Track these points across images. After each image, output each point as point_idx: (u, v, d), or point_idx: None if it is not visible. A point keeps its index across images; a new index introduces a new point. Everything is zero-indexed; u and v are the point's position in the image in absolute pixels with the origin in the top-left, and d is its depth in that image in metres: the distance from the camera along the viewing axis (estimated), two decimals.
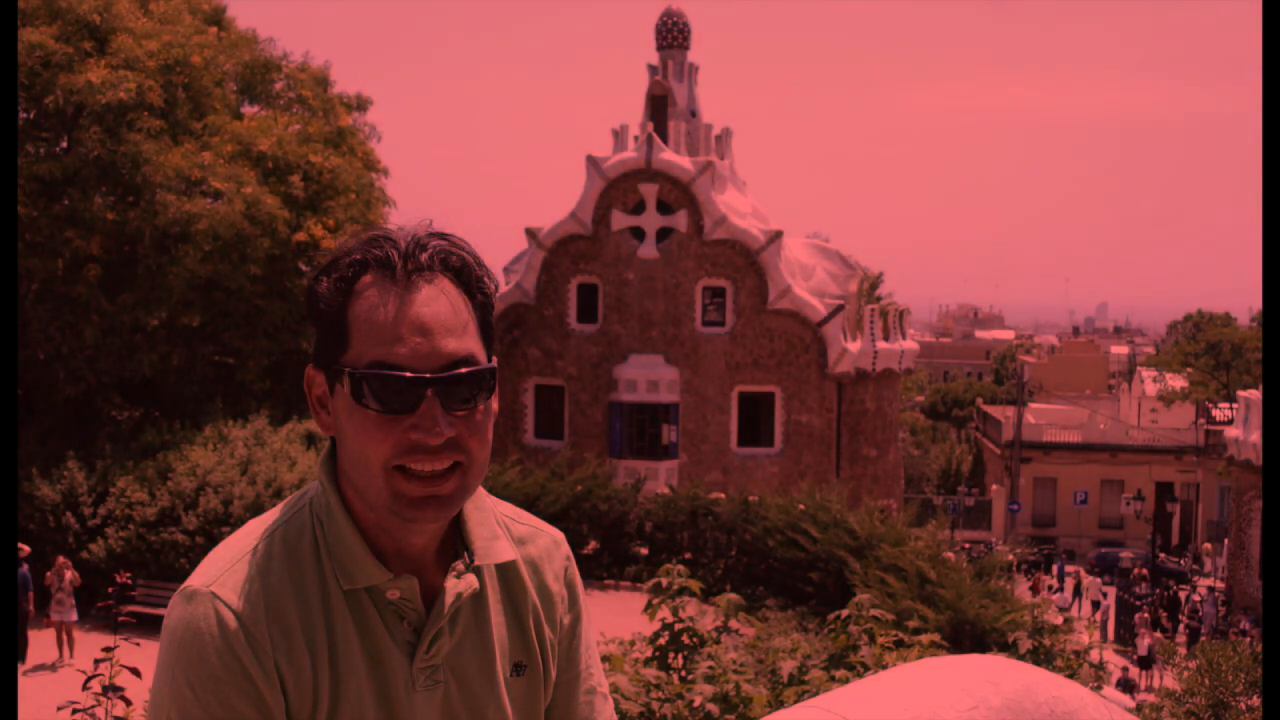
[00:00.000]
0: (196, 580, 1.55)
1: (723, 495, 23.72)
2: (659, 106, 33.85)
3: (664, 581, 6.49)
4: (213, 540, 16.72)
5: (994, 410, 58.63)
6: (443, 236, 1.59)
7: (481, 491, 1.68)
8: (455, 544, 1.67)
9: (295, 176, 22.10)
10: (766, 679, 6.42)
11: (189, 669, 1.50)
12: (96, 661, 4.23)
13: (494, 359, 1.59)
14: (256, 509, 17.78)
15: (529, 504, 21.37)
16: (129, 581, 4.97)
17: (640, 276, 31.76)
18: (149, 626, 13.90)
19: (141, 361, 21.00)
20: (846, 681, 5.50)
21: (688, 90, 34.47)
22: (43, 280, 20.76)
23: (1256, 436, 32.01)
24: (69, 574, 16.53)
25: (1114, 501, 50.55)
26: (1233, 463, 35.27)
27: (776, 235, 31.51)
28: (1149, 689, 24.19)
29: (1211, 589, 37.09)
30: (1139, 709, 11.53)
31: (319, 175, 22.37)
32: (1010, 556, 26.15)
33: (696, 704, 5.55)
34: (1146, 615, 29.09)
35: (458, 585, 1.63)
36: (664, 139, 32.49)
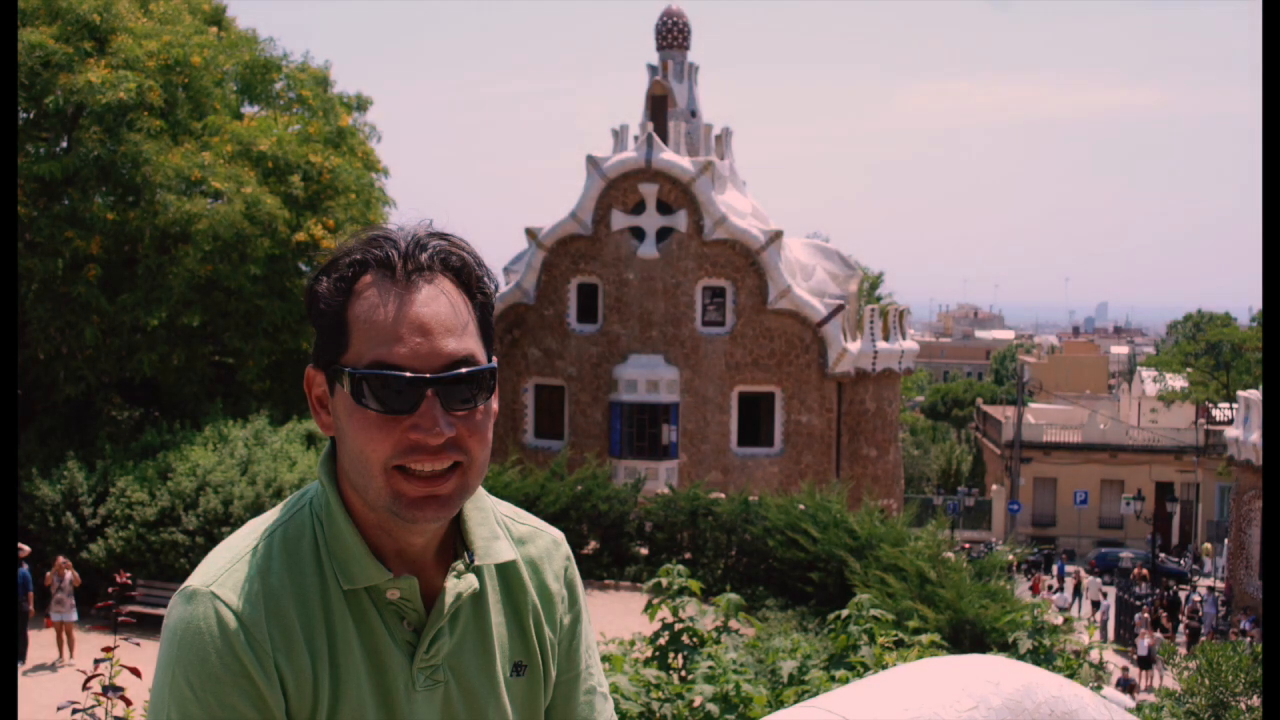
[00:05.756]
0: (196, 580, 1.55)
1: (723, 495, 23.72)
2: (659, 106, 33.85)
3: (664, 581, 6.49)
4: (213, 540, 16.72)
5: (994, 410, 58.61)
6: (443, 236, 1.59)
7: (481, 491, 1.68)
8: (455, 544, 1.67)
9: (295, 176, 22.09)
10: (766, 679, 6.42)
11: (189, 669, 1.49)
12: (96, 661, 4.23)
13: (494, 359, 1.59)
14: (256, 509, 17.77)
15: (529, 504, 21.36)
16: (129, 581, 4.97)
17: (640, 276, 31.75)
18: (149, 626, 13.92)
19: (141, 361, 20.99)
20: (846, 681, 5.50)
21: (688, 90, 34.47)
22: (43, 280, 20.74)
23: (1256, 436, 32.01)
24: (69, 574, 16.52)
25: (1114, 501, 50.53)
26: (1233, 463, 35.25)
27: (776, 235, 31.50)
28: (1149, 689, 24.19)
29: (1211, 589, 37.07)
30: (1139, 709, 11.52)
31: (319, 175, 22.35)
32: (1010, 556, 26.14)
33: (696, 704, 5.55)
34: (1146, 615, 29.09)
35: (458, 585, 1.63)
36: (664, 139, 32.48)
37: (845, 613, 6.32)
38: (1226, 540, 37.36)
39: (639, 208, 31.98)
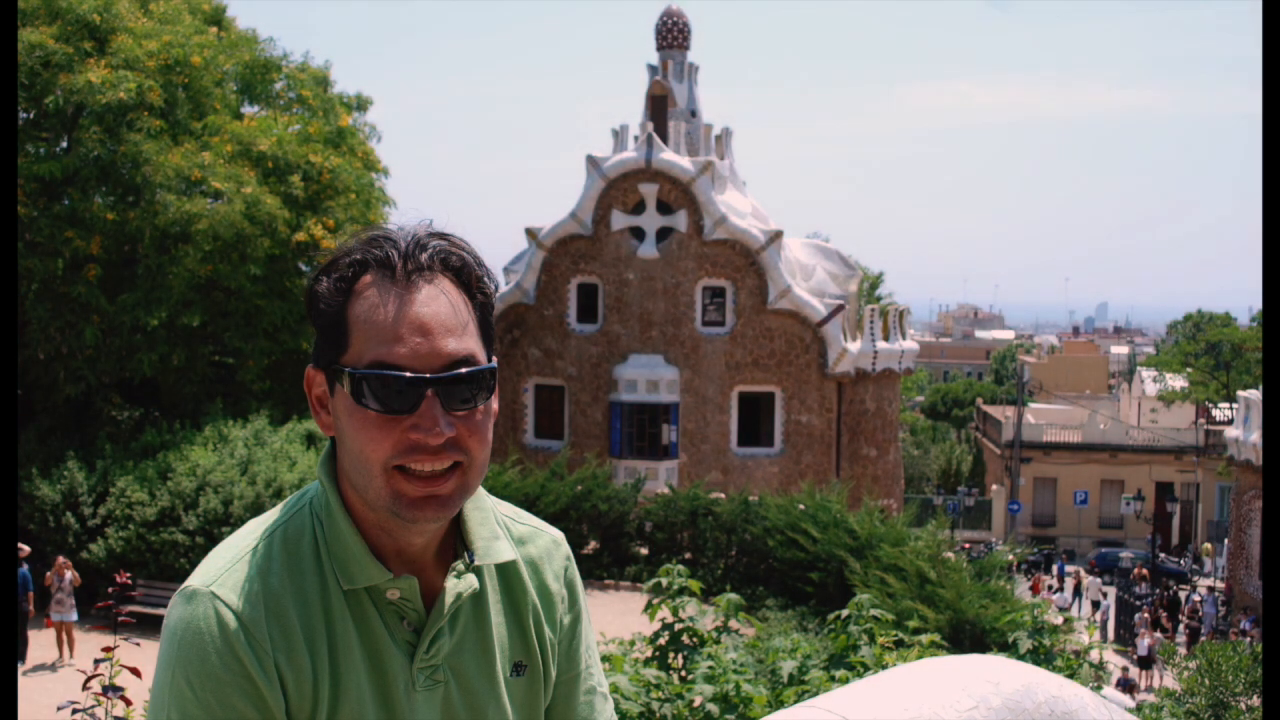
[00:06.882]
0: (196, 580, 1.55)
1: (723, 495, 23.71)
2: (659, 106, 33.84)
3: (664, 581, 6.49)
4: (213, 540, 16.72)
5: (994, 410, 58.59)
6: (443, 236, 1.59)
7: (481, 491, 1.68)
8: (455, 544, 1.67)
9: (295, 176, 22.08)
10: (766, 679, 6.42)
11: (189, 669, 1.50)
12: (96, 661, 4.23)
13: (494, 359, 1.59)
14: (256, 509, 17.77)
15: (529, 504, 21.36)
16: (129, 581, 4.97)
17: (640, 276, 31.76)
18: (149, 626, 13.91)
19: (141, 361, 20.98)
20: (846, 681, 5.50)
21: (688, 90, 34.47)
22: (43, 280, 20.74)
23: (1256, 436, 32.01)
24: (69, 574, 16.53)
25: (1114, 501, 50.52)
26: (1233, 463, 35.25)
27: (776, 235, 31.50)
28: (1149, 689, 24.19)
29: (1211, 589, 37.06)
30: (1139, 709, 11.52)
31: (319, 175, 22.34)
32: (1010, 556, 26.14)
33: (696, 704, 5.55)
34: (1146, 615, 29.09)
35: (458, 585, 1.63)
36: (664, 139, 32.48)
37: (845, 613, 6.32)
38: (1226, 540, 37.36)
39: (639, 208, 31.98)
